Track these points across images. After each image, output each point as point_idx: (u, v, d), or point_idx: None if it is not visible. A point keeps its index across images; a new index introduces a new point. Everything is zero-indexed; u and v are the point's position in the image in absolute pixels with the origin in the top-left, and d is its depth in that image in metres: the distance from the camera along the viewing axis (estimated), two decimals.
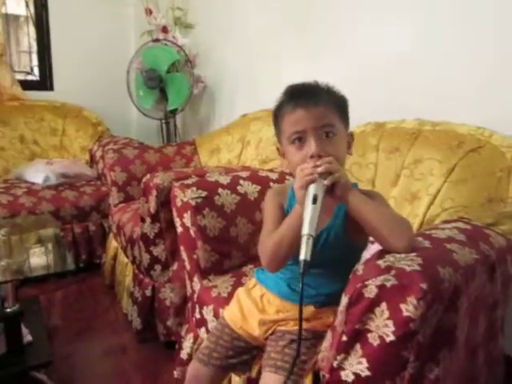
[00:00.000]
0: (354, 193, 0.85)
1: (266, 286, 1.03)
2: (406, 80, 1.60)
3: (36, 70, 3.19)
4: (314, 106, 0.89)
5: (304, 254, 0.80)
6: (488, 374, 1.04)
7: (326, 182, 0.83)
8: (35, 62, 3.18)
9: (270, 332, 0.99)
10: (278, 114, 0.96)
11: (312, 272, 0.93)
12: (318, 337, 0.95)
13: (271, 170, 1.61)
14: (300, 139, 0.90)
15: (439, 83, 1.50)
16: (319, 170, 0.83)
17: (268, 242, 0.95)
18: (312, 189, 0.83)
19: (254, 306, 1.03)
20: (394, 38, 1.63)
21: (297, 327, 0.94)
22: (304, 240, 0.81)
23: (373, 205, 0.86)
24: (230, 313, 1.08)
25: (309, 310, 0.97)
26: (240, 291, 1.10)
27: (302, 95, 0.91)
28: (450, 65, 1.47)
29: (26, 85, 3.07)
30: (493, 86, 1.36)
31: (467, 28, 1.41)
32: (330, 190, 0.84)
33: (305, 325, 0.96)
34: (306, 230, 0.81)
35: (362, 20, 1.75)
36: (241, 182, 1.43)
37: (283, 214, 0.97)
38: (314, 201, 0.82)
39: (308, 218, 0.81)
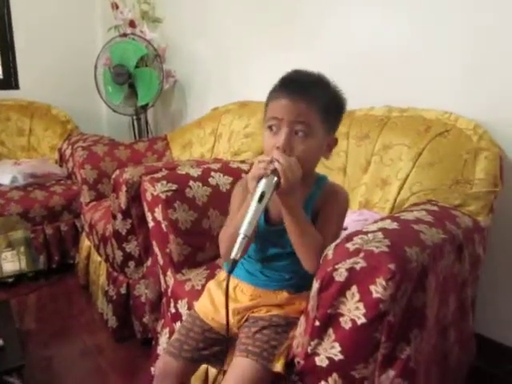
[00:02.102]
0: (290, 204, 0.87)
1: (239, 277, 1.02)
2: (377, 68, 1.61)
3: (0, 69, 3.09)
4: (297, 101, 0.88)
5: (235, 253, 0.81)
6: (460, 352, 1.06)
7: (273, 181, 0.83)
8: None
9: (243, 320, 0.99)
10: (268, 96, 0.96)
11: (286, 258, 0.96)
12: (291, 323, 0.96)
13: (243, 162, 1.60)
14: (275, 127, 0.90)
15: (408, 70, 1.52)
16: (271, 166, 0.83)
17: (225, 233, 0.98)
18: (262, 185, 0.83)
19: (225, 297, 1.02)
20: (364, 26, 1.64)
21: (270, 313, 0.96)
22: (239, 239, 0.81)
23: (294, 227, 0.88)
24: (201, 305, 1.07)
25: (283, 295, 0.97)
26: (211, 284, 1.09)
27: (292, 85, 0.90)
28: (419, 51, 1.48)
29: None
30: (460, 71, 1.39)
31: (438, 16, 1.42)
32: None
33: (277, 311, 0.97)
34: (243, 229, 0.81)
35: (333, 9, 1.75)
36: (212, 173, 1.42)
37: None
38: (261, 198, 0.82)
39: (249, 217, 0.81)
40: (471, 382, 1.20)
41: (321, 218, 0.94)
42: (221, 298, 1.02)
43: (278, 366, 0.90)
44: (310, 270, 0.89)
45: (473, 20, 1.33)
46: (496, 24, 1.28)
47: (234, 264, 0.81)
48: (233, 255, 0.81)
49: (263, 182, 0.83)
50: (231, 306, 0.99)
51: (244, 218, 0.82)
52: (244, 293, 1.01)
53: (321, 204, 0.95)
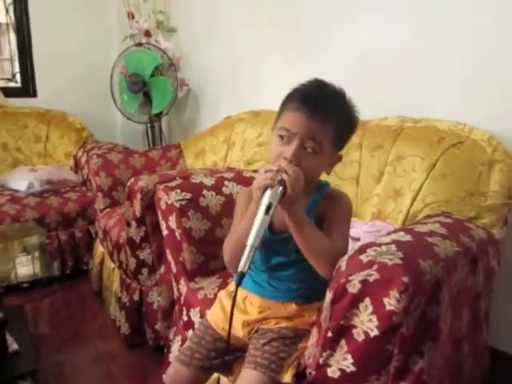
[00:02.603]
0: (294, 212, 0.86)
1: (247, 288, 1.02)
2: (390, 78, 1.61)
3: (18, 77, 3.16)
4: (313, 118, 0.87)
5: (242, 265, 0.80)
6: (473, 365, 1.05)
7: (278, 191, 0.82)
8: (17, 68, 3.15)
9: (253, 332, 0.99)
10: (285, 101, 0.94)
11: (293, 267, 0.95)
12: (300, 335, 0.95)
13: (256, 171, 1.61)
14: (286, 137, 0.89)
15: (421, 81, 1.52)
16: (278, 177, 0.83)
17: (229, 241, 0.99)
18: (268, 195, 0.82)
19: (236, 308, 1.02)
20: (376, 37, 1.65)
21: (278, 325, 0.96)
22: (246, 250, 0.80)
23: (301, 234, 0.87)
24: (212, 314, 1.08)
25: (291, 307, 0.97)
26: (222, 293, 1.10)
27: (311, 101, 0.89)
28: (433, 62, 1.49)
29: (8, 92, 3.02)
30: (473, 82, 1.39)
31: (449, 28, 1.43)
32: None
33: (286, 323, 0.96)
34: (250, 240, 0.80)
35: (345, 19, 1.77)
36: (225, 183, 1.43)
37: None
38: (268, 210, 0.81)
39: (256, 228, 0.81)
40: None
41: (327, 224, 0.93)
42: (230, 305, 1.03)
43: (287, 378, 0.90)
44: (325, 275, 0.87)
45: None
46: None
47: (241, 276, 0.81)
48: (240, 268, 0.80)
49: (269, 192, 0.82)
50: (241, 317, 1.00)
51: (251, 230, 0.81)
52: (253, 305, 1.00)
53: (324, 210, 0.94)
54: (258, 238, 0.80)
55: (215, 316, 1.06)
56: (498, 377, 1.27)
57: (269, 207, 0.81)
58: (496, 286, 1.11)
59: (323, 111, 0.88)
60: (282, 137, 0.90)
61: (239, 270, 0.80)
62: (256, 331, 0.99)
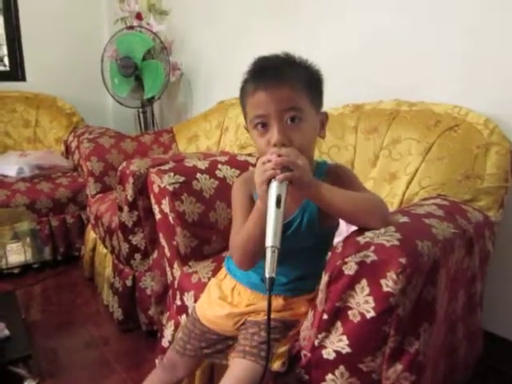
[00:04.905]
0: (316, 186, 0.79)
1: (237, 278, 1.00)
2: (384, 61, 1.59)
3: (6, 61, 3.09)
4: (277, 87, 0.79)
5: (269, 270, 0.72)
6: (467, 347, 1.06)
7: (281, 178, 0.75)
8: (5, 52, 3.08)
9: (240, 323, 0.97)
10: (241, 94, 0.87)
11: (283, 260, 0.87)
12: (289, 325, 0.94)
13: (250, 155, 1.59)
14: (263, 124, 0.82)
15: (418, 64, 1.50)
16: (279, 163, 0.76)
17: (237, 239, 0.91)
18: (274, 187, 0.76)
19: (222, 300, 1.00)
20: (369, 19, 1.62)
21: (265, 317, 0.92)
22: (268, 253, 0.73)
23: (339, 194, 0.80)
24: (199, 306, 1.07)
25: (278, 302, 0.94)
26: (211, 282, 1.08)
27: (263, 74, 0.82)
28: (428, 45, 1.47)
29: None
30: (470, 66, 1.37)
31: (448, 10, 1.41)
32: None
33: (274, 315, 0.92)
34: (269, 241, 0.73)
35: (339, 2, 1.73)
36: (219, 166, 1.42)
37: (252, 202, 0.90)
38: (278, 203, 0.74)
39: (272, 226, 0.74)
40: (478, 377, 1.19)
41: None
42: (218, 301, 1.01)
43: (277, 365, 0.89)
44: (381, 225, 0.79)
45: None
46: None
47: (271, 283, 0.73)
48: (268, 274, 0.72)
49: (275, 184, 0.76)
50: (227, 310, 0.98)
51: (267, 229, 0.74)
52: (241, 295, 0.98)
53: (332, 185, 0.86)
54: (276, 236, 0.73)
55: (201, 308, 1.05)
56: (492, 360, 1.28)
57: (278, 200, 0.75)
58: (491, 269, 1.11)
59: (280, 76, 0.81)
60: (258, 126, 0.83)
61: (267, 276, 0.72)
62: (243, 323, 0.97)
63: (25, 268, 2.25)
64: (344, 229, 1.04)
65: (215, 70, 2.50)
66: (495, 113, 1.24)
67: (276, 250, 0.73)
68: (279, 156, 0.77)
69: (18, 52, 3.07)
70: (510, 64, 1.28)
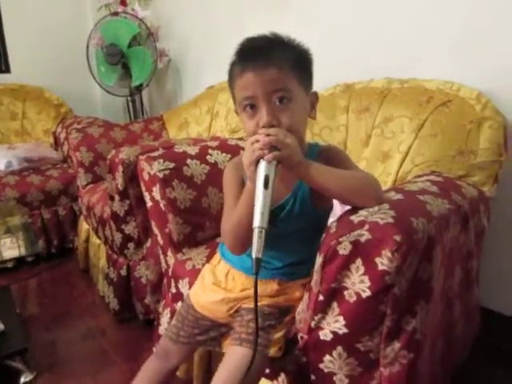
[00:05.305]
0: (306, 166, 0.77)
1: (231, 262, 0.99)
2: (374, 40, 1.56)
3: None
4: (264, 68, 0.78)
5: (256, 250, 0.71)
6: (465, 324, 1.06)
7: (269, 158, 0.74)
8: None
9: (234, 309, 0.96)
10: (229, 77, 0.85)
11: (277, 244, 0.88)
12: (284, 311, 0.93)
13: (240, 139, 1.57)
14: (252, 106, 0.81)
15: (408, 41, 1.48)
16: (267, 143, 0.74)
17: (228, 223, 0.90)
18: (262, 168, 0.75)
19: (216, 286, 0.99)
20: None
21: (260, 303, 0.91)
22: (255, 234, 0.72)
23: (331, 174, 0.79)
24: (193, 293, 1.05)
25: (273, 287, 0.93)
26: (205, 269, 1.06)
27: (250, 55, 0.80)
28: (417, 21, 1.44)
29: None
30: (461, 40, 1.35)
31: None
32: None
33: (268, 301, 0.93)
34: (257, 221, 0.72)
35: None
36: (210, 151, 1.39)
37: (244, 187, 0.88)
38: (266, 184, 0.73)
39: (259, 206, 0.73)
40: (476, 354, 1.20)
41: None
42: (212, 287, 1.00)
43: (275, 351, 0.88)
44: (374, 203, 0.78)
45: None
46: None
47: (258, 263, 0.72)
48: (254, 254, 0.71)
49: (263, 164, 0.75)
50: (221, 295, 0.97)
51: (254, 209, 0.73)
52: (235, 281, 0.97)
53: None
54: (264, 217, 0.72)
55: (195, 295, 1.04)
56: (489, 336, 1.29)
57: (266, 180, 0.74)
58: (487, 245, 1.10)
59: (270, 56, 0.79)
60: (247, 108, 0.82)
61: (254, 256, 0.71)
62: (237, 310, 0.96)
63: (19, 262, 2.23)
64: (338, 210, 1.02)
65: (204, 55, 2.46)
66: (487, 87, 1.22)
67: (263, 231, 0.72)
68: (267, 136, 0.75)
69: (1, 43, 3.00)
70: (500, 37, 1.26)
